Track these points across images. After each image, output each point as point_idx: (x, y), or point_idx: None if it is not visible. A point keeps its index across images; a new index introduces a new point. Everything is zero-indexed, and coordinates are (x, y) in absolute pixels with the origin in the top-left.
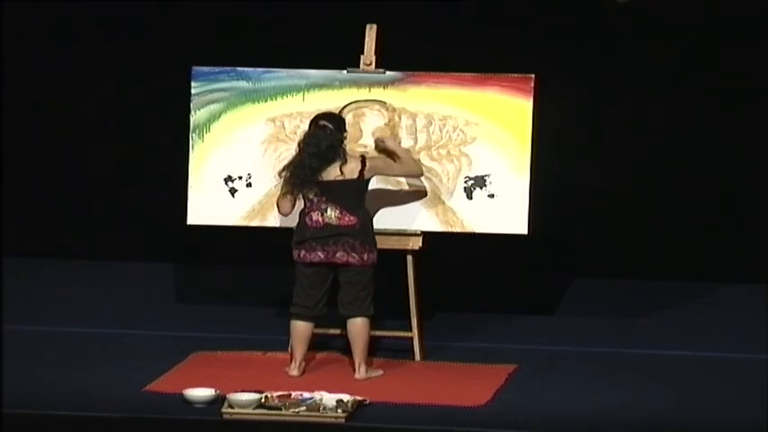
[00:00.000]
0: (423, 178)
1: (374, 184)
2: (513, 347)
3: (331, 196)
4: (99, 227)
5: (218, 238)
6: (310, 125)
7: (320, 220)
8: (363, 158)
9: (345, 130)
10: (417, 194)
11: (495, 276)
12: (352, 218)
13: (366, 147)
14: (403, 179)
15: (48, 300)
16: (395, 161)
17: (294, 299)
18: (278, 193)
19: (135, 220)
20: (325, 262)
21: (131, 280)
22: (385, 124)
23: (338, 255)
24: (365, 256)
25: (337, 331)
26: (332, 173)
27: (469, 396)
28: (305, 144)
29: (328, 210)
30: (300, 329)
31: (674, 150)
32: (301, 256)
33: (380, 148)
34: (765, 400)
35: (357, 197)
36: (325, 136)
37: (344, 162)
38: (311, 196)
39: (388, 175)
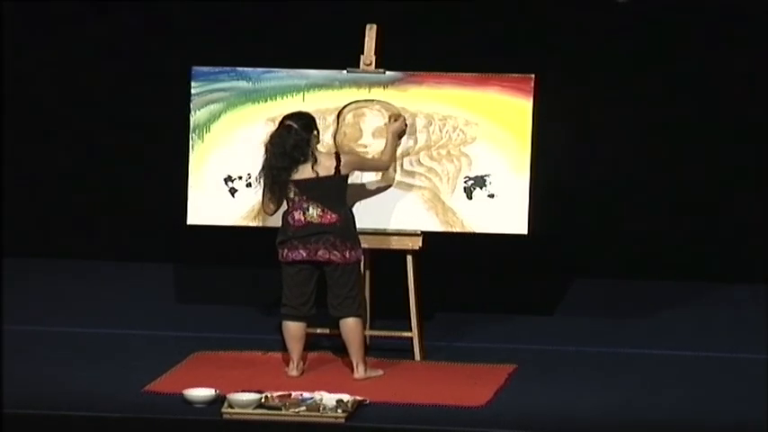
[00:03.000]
0: (422, 178)
1: (373, 183)
2: (513, 347)
3: (311, 195)
4: (99, 227)
5: (218, 238)
6: (278, 125)
7: (302, 218)
8: (338, 155)
9: (316, 129)
10: (385, 182)
11: (495, 276)
12: (333, 215)
13: (366, 147)
14: (403, 178)
15: (48, 300)
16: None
17: (283, 299)
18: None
19: (135, 220)
20: (307, 260)
21: (131, 280)
22: (385, 124)
23: (320, 253)
24: (347, 254)
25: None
26: (304, 172)
27: (469, 396)
28: (270, 144)
29: (310, 208)
30: (292, 329)
31: (674, 150)
32: (284, 255)
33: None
34: (765, 400)
35: (337, 194)
36: (290, 136)
37: (315, 161)
38: (291, 195)
39: (362, 170)
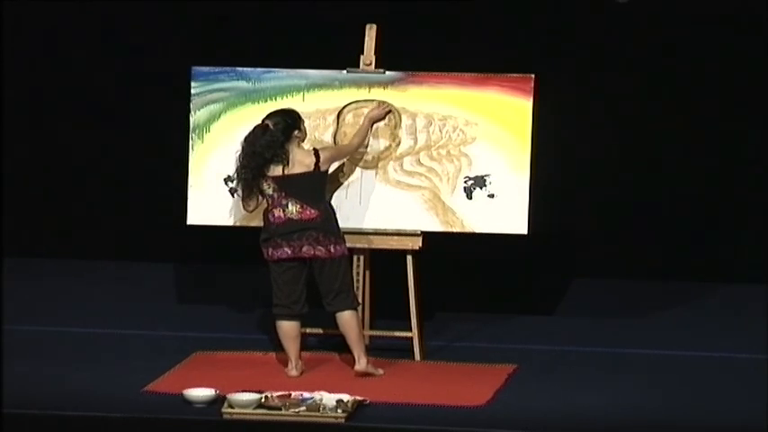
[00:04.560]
0: (422, 178)
1: (373, 183)
2: (513, 347)
3: (290, 191)
4: (99, 227)
5: (218, 238)
6: (251, 132)
7: (282, 215)
8: (316, 151)
9: (298, 128)
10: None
11: (495, 276)
12: (313, 211)
13: (366, 147)
14: (403, 178)
15: (48, 300)
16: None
17: (274, 299)
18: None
19: (135, 220)
20: (293, 257)
21: (131, 280)
22: (385, 124)
23: (304, 249)
24: (332, 248)
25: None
26: (279, 170)
27: (469, 396)
28: (244, 143)
29: (289, 205)
30: (286, 329)
31: (673, 150)
32: (269, 253)
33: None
34: (765, 400)
35: (317, 190)
36: (263, 135)
37: (288, 160)
38: (270, 192)
39: (340, 158)
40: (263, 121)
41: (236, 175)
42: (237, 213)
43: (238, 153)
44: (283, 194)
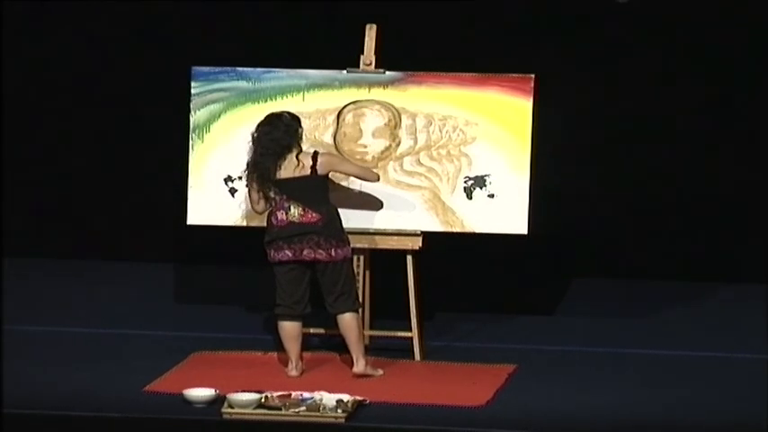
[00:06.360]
0: (422, 178)
1: (373, 183)
2: (513, 347)
3: (291, 194)
4: (99, 227)
5: (218, 238)
6: (266, 122)
7: (284, 218)
8: (315, 154)
9: (300, 135)
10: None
11: (495, 276)
12: (314, 215)
13: (366, 147)
14: (403, 178)
15: (48, 300)
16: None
17: (276, 299)
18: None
19: (135, 220)
20: (294, 260)
21: (131, 280)
22: (385, 124)
23: (305, 252)
24: (332, 252)
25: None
26: (287, 169)
27: (469, 396)
28: (256, 143)
29: (291, 208)
30: (287, 329)
31: (673, 150)
32: (272, 255)
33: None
34: (765, 400)
35: (318, 193)
36: (270, 137)
37: (298, 162)
38: (272, 195)
39: (343, 172)
40: (270, 120)
41: (247, 175)
42: (237, 213)
43: (253, 151)
44: (285, 197)
